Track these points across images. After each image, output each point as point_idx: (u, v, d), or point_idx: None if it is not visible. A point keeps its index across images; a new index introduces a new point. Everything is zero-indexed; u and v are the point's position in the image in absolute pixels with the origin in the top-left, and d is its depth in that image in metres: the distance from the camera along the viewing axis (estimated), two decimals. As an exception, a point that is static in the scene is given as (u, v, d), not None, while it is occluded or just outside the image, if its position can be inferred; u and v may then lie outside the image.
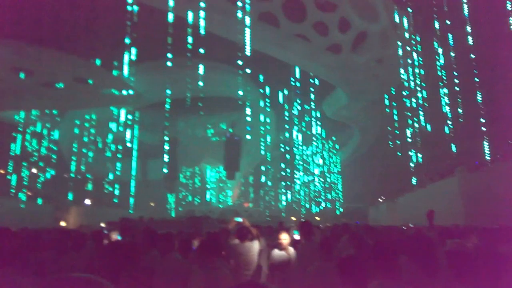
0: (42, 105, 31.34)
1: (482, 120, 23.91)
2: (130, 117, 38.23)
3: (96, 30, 26.74)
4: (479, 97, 24.08)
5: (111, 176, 38.85)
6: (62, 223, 29.37)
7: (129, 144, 38.40)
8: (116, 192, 38.36)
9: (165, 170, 38.65)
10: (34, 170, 34.52)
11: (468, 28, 23.70)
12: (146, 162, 41.14)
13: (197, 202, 46.07)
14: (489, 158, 22.76)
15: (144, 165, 40.85)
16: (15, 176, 32.77)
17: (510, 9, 21.17)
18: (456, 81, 25.31)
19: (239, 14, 22.83)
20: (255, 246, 6.65)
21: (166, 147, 38.55)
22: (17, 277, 3.14)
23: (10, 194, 31.02)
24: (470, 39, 23.63)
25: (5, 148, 32.69)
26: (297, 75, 34.15)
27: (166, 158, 38.48)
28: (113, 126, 37.79)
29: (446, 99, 26.99)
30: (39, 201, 31.68)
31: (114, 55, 27.92)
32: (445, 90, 26.99)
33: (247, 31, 23.09)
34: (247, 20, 22.83)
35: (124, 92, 30.50)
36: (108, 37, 26.78)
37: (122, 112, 37.09)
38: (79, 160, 37.18)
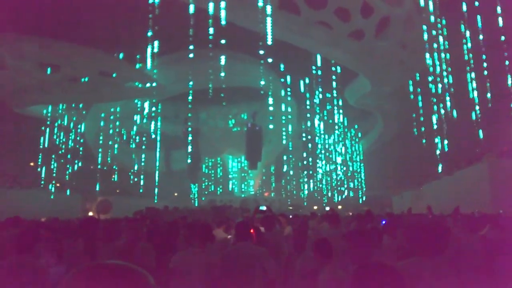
0: (68, 99, 32.23)
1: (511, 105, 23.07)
2: (153, 109, 38.84)
3: (119, 24, 27.13)
4: (509, 81, 23.20)
5: (136, 167, 39.78)
6: (90, 213, 30.36)
7: (153, 136, 39.11)
8: (142, 182, 39.31)
9: (188, 161, 39.21)
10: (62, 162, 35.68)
11: (499, 9, 22.69)
12: (169, 153, 41.82)
13: (220, 192, 46.59)
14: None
15: (167, 156, 41.54)
16: (45, 168, 33.99)
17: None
18: (485, 65, 24.42)
19: (260, 3, 22.64)
20: (283, 234, 6.71)
21: (189, 138, 39.04)
22: (47, 265, 3.27)
23: (41, 186, 32.21)
24: (500, 20, 22.64)
25: (35, 142, 33.92)
26: (319, 63, 33.71)
27: (189, 149, 39.00)
28: (137, 118, 38.54)
29: (473, 84, 26.14)
30: (68, 192, 32.78)
31: (137, 49, 28.31)
32: (473, 75, 26.11)
33: (268, 20, 22.90)
34: (268, 9, 22.63)
35: (148, 85, 30.97)
36: (130, 30, 27.13)
37: (146, 104, 37.69)
38: (105, 152, 38.12)
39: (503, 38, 22.62)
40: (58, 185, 34.18)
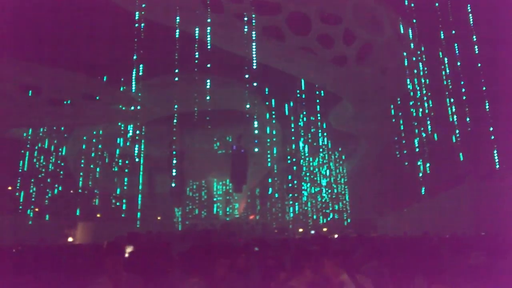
0: (50, 122, 31.67)
1: (490, 129, 23.76)
2: (137, 132, 38.48)
3: (104, 48, 27.11)
4: (486, 106, 23.97)
5: (118, 191, 38.94)
6: (70, 239, 29.36)
7: (136, 159, 38.56)
8: (124, 206, 38.42)
9: (172, 184, 38.66)
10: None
11: (474, 37, 23.73)
12: (153, 176, 41.17)
13: (204, 215, 45.87)
14: (498, 167, 22.58)
15: (151, 179, 40.87)
16: (23, 193, 32.94)
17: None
18: (463, 90, 25.27)
19: (245, 28, 23.12)
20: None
21: (174, 161, 38.62)
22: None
23: (18, 211, 31.14)
24: (476, 48, 23.65)
25: (14, 165, 32.93)
26: (303, 87, 34.33)
27: (173, 172, 38.52)
28: (120, 141, 38.05)
29: (452, 108, 26.92)
30: (47, 217, 31.77)
31: (122, 72, 28.29)
32: (451, 99, 26.92)
33: (253, 45, 23.36)
34: (253, 34, 23.12)
35: (132, 108, 30.82)
36: (115, 54, 27.13)
37: (130, 127, 37.34)
38: (87, 175, 37.29)
39: (479, 64, 23.55)
40: (37, 210, 33.12)
